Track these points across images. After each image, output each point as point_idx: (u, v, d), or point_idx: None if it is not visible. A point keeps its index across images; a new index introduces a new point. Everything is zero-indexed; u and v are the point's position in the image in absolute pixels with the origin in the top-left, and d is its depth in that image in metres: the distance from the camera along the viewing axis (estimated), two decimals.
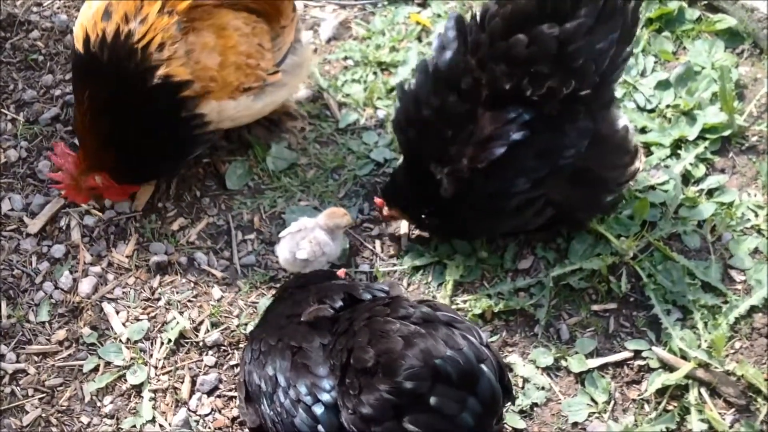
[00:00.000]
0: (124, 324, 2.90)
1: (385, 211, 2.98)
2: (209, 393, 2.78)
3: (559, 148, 2.63)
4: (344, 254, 2.99)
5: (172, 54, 2.75)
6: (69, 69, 3.41)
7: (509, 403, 2.57)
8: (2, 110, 3.33)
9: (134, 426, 2.73)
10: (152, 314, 2.92)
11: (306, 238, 2.89)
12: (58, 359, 2.85)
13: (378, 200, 2.98)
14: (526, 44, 2.52)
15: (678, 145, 3.16)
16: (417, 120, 2.77)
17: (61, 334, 2.88)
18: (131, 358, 2.84)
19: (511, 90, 2.57)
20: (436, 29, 3.40)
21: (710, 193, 3.07)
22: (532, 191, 2.68)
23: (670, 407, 2.70)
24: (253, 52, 2.92)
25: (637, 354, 2.80)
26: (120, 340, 2.87)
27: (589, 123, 2.62)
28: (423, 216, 2.91)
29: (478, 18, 2.66)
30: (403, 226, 3.07)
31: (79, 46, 2.83)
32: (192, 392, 2.79)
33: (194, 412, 2.76)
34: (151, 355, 2.85)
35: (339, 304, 2.35)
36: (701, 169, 3.11)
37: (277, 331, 2.41)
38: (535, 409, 2.73)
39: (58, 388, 2.80)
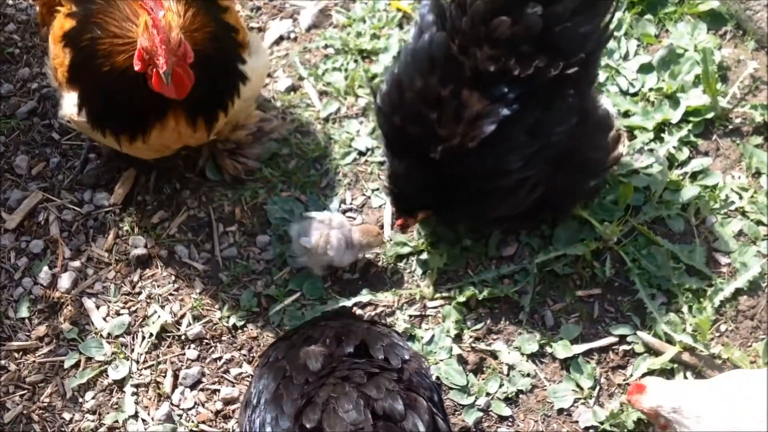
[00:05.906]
0: (104, 319, 2.88)
1: (411, 222, 2.89)
2: (192, 387, 2.76)
3: (550, 124, 2.59)
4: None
5: None
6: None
7: None
8: None
9: (116, 421, 2.71)
10: (133, 308, 2.90)
11: (319, 230, 2.84)
12: (39, 355, 2.82)
13: (398, 221, 2.90)
14: (510, 24, 2.50)
15: (661, 128, 3.14)
16: (401, 105, 2.72)
17: (41, 330, 2.85)
18: (113, 353, 2.81)
19: (496, 72, 2.54)
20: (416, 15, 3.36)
21: (694, 176, 3.05)
22: (523, 170, 2.64)
23: None
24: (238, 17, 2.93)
25: (622, 339, 2.79)
26: (101, 335, 2.84)
27: (576, 99, 2.59)
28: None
29: (458, 1, 2.63)
30: (386, 216, 3.05)
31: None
32: (174, 386, 2.77)
33: (177, 406, 2.73)
34: (133, 350, 2.82)
35: (350, 350, 2.28)
36: (685, 153, 3.09)
37: (288, 347, 2.37)
38: (520, 396, 2.72)
39: (39, 385, 2.78)
